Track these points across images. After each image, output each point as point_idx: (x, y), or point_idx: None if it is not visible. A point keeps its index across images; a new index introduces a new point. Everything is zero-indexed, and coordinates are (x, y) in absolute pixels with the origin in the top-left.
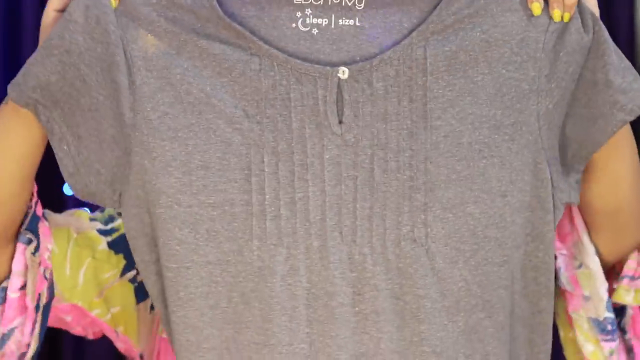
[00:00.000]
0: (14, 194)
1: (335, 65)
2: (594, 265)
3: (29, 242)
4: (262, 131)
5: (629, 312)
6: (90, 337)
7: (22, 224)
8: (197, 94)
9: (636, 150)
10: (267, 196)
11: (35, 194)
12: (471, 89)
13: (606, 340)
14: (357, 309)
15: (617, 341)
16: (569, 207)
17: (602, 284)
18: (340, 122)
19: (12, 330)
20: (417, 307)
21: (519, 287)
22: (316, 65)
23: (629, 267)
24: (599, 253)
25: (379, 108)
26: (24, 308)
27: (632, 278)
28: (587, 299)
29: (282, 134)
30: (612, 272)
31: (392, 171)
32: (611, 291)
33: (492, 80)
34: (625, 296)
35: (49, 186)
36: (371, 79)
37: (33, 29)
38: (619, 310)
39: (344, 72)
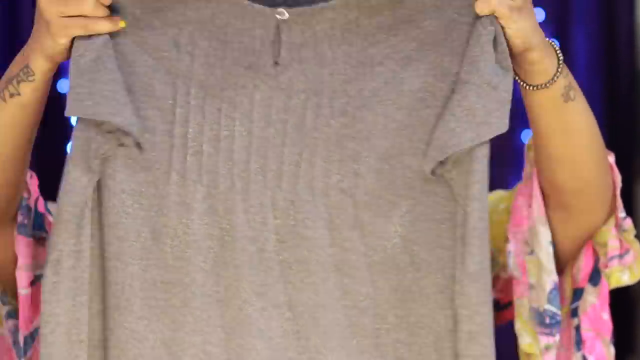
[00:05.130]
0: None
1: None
2: (544, 254)
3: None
4: (192, 62)
5: (589, 299)
6: None
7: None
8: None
9: (597, 131)
10: (190, 130)
11: (35, 189)
12: (417, 35)
13: (544, 334)
14: (280, 257)
15: (557, 338)
16: (529, 190)
17: (549, 274)
18: (276, 63)
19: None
20: (342, 260)
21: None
22: (256, 5)
23: (613, 246)
24: (557, 239)
25: (317, 51)
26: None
27: (620, 257)
28: (532, 287)
29: (213, 68)
30: (569, 266)
31: (325, 117)
32: (583, 280)
33: (441, 26)
34: (621, 277)
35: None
36: (312, 22)
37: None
38: (575, 292)
39: (283, 14)
